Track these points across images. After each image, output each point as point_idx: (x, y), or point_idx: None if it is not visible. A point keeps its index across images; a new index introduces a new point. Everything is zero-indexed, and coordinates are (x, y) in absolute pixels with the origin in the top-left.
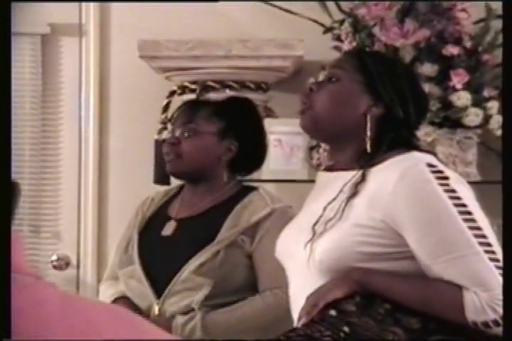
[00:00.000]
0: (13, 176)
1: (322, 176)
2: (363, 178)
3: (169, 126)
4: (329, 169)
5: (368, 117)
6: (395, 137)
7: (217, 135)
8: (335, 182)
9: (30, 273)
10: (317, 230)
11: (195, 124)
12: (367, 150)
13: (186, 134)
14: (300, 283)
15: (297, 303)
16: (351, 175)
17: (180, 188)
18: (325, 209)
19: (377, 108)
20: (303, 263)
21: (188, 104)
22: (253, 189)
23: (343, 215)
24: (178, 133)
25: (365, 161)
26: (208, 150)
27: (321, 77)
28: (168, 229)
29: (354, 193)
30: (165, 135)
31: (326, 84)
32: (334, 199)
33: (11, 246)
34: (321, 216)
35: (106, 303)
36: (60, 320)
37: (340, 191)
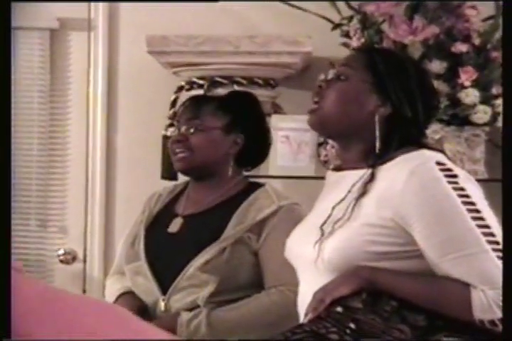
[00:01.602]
0: (21, 171)
1: (331, 176)
2: (372, 177)
3: (175, 122)
4: (338, 169)
5: (376, 117)
6: (403, 136)
7: (223, 129)
8: (343, 182)
9: (13, 266)
10: (325, 230)
11: (200, 120)
12: (375, 149)
13: (192, 130)
14: (309, 282)
15: (305, 303)
16: (360, 175)
17: (187, 184)
18: (333, 209)
19: (385, 108)
20: (311, 263)
21: (191, 100)
22: (260, 186)
23: (352, 215)
24: (183, 129)
25: (374, 160)
26: (215, 145)
27: (331, 74)
28: (175, 225)
29: (363, 193)
30: (170, 132)
31: (334, 82)
32: (343, 199)
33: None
34: (329, 216)
35: (95, 300)
36: (41, 320)
37: (349, 191)
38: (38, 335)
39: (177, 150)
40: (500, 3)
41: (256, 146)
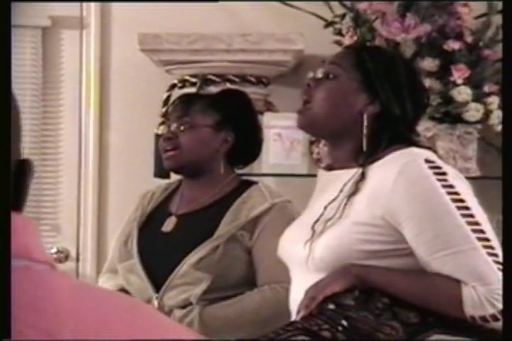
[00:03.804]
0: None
1: (323, 175)
2: (362, 176)
3: (166, 120)
4: (329, 168)
5: (365, 115)
6: (392, 134)
7: (213, 127)
8: (335, 181)
9: (45, 260)
10: (317, 229)
11: (190, 118)
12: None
13: (182, 128)
14: (301, 281)
15: (297, 302)
16: (351, 174)
17: (181, 182)
18: (325, 208)
19: (374, 106)
20: (303, 262)
21: (182, 98)
22: (252, 183)
23: (344, 214)
24: (173, 127)
25: (364, 159)
26: (205, 143)
27: (319, 72)
28: (169, 225)
29: (354, 191)
30: (162, 130)
31: (323, 81)
32: (335, 199)
33: (13, 232)
34: (321, 215)
35: (127, 298)
36: (71, 317)
37: (341, 190)
38: (68, 334)
39: (166, 148)
40: (493, 1)
41: (247, 144)
